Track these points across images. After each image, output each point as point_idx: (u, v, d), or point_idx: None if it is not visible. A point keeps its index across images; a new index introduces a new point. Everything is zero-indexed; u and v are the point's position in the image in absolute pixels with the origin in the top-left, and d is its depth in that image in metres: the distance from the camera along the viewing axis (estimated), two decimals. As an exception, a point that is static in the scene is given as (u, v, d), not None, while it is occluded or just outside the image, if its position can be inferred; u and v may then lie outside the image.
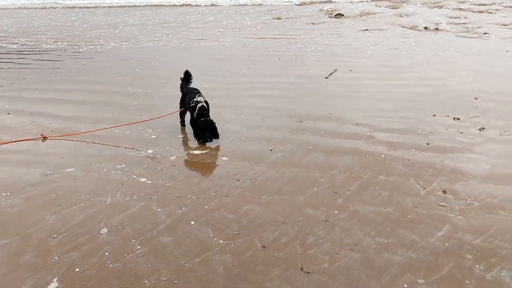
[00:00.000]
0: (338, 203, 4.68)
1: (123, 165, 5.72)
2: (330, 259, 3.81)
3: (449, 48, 12.89)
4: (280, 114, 7.52)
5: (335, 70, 10.47)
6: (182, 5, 27.66)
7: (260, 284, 3.55)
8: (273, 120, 7.26)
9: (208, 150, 6.16)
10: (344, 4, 24.40)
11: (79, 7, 28.48)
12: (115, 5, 29.18)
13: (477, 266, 3.67)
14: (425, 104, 7.81)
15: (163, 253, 3.94)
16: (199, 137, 6.36)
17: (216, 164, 5.78)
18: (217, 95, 8.38)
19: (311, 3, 26.26)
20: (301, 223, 4.34)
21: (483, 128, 6.64)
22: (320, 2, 25.90)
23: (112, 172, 5.55)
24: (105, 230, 4.30)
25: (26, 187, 5.22)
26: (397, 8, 22.47)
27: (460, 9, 21.03)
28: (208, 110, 6.57)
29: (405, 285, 3.48)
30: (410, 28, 16.85)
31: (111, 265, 3.79)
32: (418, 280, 3.53)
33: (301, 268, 3.71)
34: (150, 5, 28.34)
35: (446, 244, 3.97)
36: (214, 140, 6.38)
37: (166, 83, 9.79)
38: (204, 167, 5.71)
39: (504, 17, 18.59)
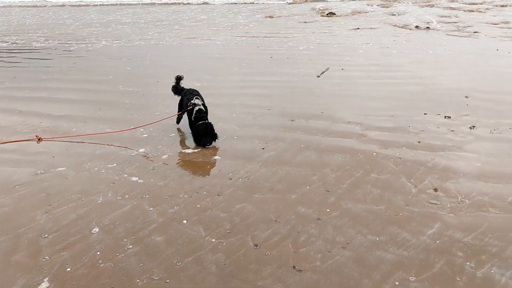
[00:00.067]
0: (330, 201, 4.69)
1: (115, 164, 5.70)
2: (322, 257, 3.81)
3: (440, 47, 12.97)
4: (272, 112, 7.52)
5: (327, 69, 10.49)
6: (175, 3, 27.58)
7: (252, 283, 3.55)
8: (265, 118, 7.26)
9: (200, 149, 6.14)
10: (336, 3, 24.47)
11: (71, 5, 28.29)
12: (107, 3, 29.03)
13: (468, 263, 3.70)
14: (416, 103, 7.85)
15: (155, 252, 3.93)
16: (199, 141, 6.19)
17: (208, 162, 5.77)
18: (209, 94, 8.35)
19: (303, 1, 26.29)
20: (293, 222, 4.34)
21: (473, 126, 6.68)
22: (312, 1, 25.96)
23: (103, 171, 5.53)
24: (97, 230, 4.28)
25: (17, 186, 5.18)
26: (388, 7, 22.57)
27: (451, 8, 21.16)
28: (206, 112, 6.43)
29: (397, 283, 3.49)
30: (402, 27, 16.93)
31: (102, 265, 3.77)
32: (410, 278, 3.55)
33: (293, 267, 3.71)
34: (142, 3, 28.23)
35: (437, 241, 3.99)
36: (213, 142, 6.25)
37: (158, 81, 9.76)
38: (196, 166, 5.70)
39: (494, 16, 18.73)
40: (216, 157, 5.85)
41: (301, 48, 13.43)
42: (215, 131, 6.19)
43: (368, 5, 23.35)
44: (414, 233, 4.11)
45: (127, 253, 3.92)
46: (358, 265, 3.72)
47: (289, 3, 26.03)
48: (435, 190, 4.87)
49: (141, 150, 6.12)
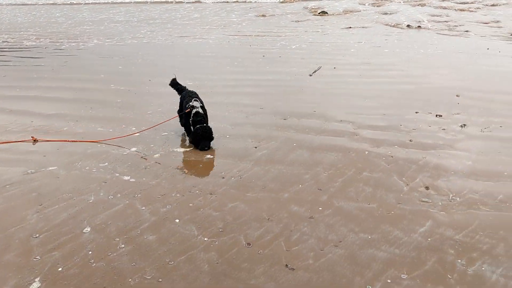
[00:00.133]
0: (322, 199, 4.70)
1: (106, 163, 5.67)
2: (315, 256, 3.82)
3: (431, 46, 13.04)
4: (265, 111, 7.52)
5: (319, 68, 10.51)
6: (168, 2, 27.50)
7: (245, 281, 3.55)
8: (257, 117, 7.26)
9: (192, 148, 6.13)
10: (328, 2, 24.49)
11: (64, 4, 28.10)
12: (100, 1, 28.88)
13: (459, 260, 3.72)
14: (408, 101, 7.89)
15: (147, 252, 3.91)
16: (197, 145, 6.06)
17: (200, 161, 5.75)
18: (202, 93, 8.26)
19: (295, 0, 26.30)
20: (285, 220, 4.35)
21: (464, 124, 6.73)
22: (304, 0, 25.96)
23: (95, 170, 5.50)
24: (88, 229, 4.26)
25: (7, 186, 5.13)
26: (380, 6, 22.64)
27: (442, 7, 21.28)
28: (205, 114, 6.30)
29: (389, 281, 3.51)
30: (393, 26, 17.01)
31: (94, 264, 3.75)
32: (402, 275, 3.56)
33: (286, 265, 3.72)
34: (135, 2, 28.11)
35: (429, 239, 4.01)
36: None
37: (150, 80, 9.72)
38: (188, 164, 5.68)
39: (485, 15, 18.86)
40: (208, 156, 5.85)
41: (293, 47, 13.44)
42: (213, 135, 6.08)
43: (360, 4, 23.40)
44: (406, 231, 4.13)
45: (119, 253, 3.90)
46: (350, 263, 3.73)
47: (281, 2, 26.03)
48: (427, 188, 4.90)
49: (133, 149, 6.10)
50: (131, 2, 27.80)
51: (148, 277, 3.60)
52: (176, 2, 27.31)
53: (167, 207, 4.61)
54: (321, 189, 4.91)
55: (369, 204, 4.60)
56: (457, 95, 8.14)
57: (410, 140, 6.18)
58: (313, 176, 5.22)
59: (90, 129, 6.82)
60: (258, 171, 5.39)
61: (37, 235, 4.17)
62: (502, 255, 3.78)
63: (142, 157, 5.85)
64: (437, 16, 18.99)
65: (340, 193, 4.82)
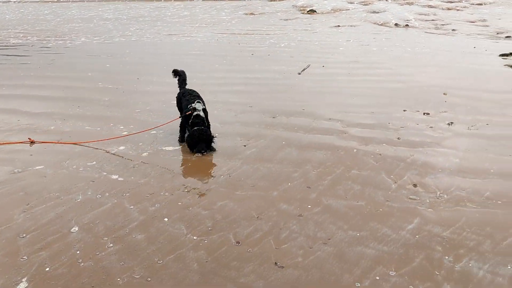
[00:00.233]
0: (311, 197, 4.72)
1: (94, 162, 5.62)
2: (304, 253, 3.83)
3: (419, 45, 13.13)
4: (254, 109, 7.52)
5: (308, 66, 10.53)
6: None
7: (234, 280, 3.54)
8: (246, 115, 7.26)
9: (181, 147, 6.11)
10: (317, 0, 24.54)
11: (52, 1, 27.80)
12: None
13: (447, 257, 3.76)
14: (396, 100, 7.94)
15: (136, 251, 3.89)
16: (192, 148, 5.87)
17: (189, 160, 5.73)
18: (190, 91, 8.31)
19: (284, -2, 26.29)
20: (275, 218, 4.35)
21: (451, 122, 6.79)
22: (293, -2, 25.97)
23: (82, 169, 5.45)
24: (76, 228, 4.22)
25: (-7, 185, 5.07)
26: (368, 4, 22.75)
27: (429, 6, 21.44)
28: (206, 117, 6.06)
29: (377, 277, 3.53)
30: (381, 25, 17.10)
31: (82, 264, 3.72)
32: (390, 272, 3.59)
33: (275, 263, 3.72)
34: (125, -1, 27.94)
35: (417, 236, 4.04)
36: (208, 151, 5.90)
37: (138, 78, 9.66)
38: (177, 163, 5.66)
39: (471, 14, 19.04)
40: (197, 154, 5.82)
41: (282, 45, 13.45)
42: (212, 141, 5.90)
43: (348, 2, 23.49)
44: (394, 228, 4.16)
45: (108, 252, 3.87)
46: (339, 260, 3.74)
47: (270, 0, 26.02)
48: (415, 185, 4.94)
49: (121, 148, 6.06)
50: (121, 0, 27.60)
51: (137, 277, 3.58)
52: (166, 0, 27.17)
53: (156, 206, 4.59)
54: (310, 187, 4.93)
55: (357, 202, 4.62)
56: (444, 93, 8.21)
57: (398, 138, 6.22)
58: (302, 174, 5.23)
59: (78, 128, 6.76)
60: (247, 169, 5.39)
61: (24, 235, 4.13)
62: (489, 251, 3.82)
63: (130, 156, 5.81)
64: (425, 15, 19.14)
65: (329, 191, 4.84)
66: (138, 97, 8.32)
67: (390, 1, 23.40)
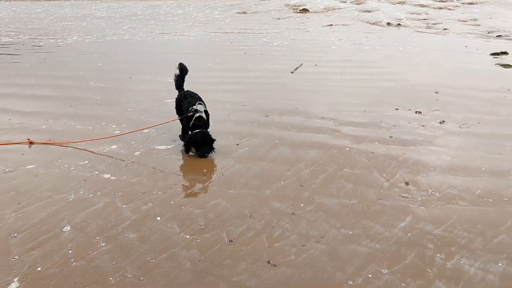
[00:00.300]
0: (304, 196, 4.72)
1: (86, 161, 5.59)
2: (297, 252, 3.84)
3: (411, 43, 13.19)
4: (247, 108, 7.52)
5: (301, 65, 10.54)
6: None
7: (227, 278, 3.54)
8: (239, 114, 7.25)
9: (173, 146, 6.09)
10: (309, -1, 24.59)
11: (45, -1, 27.63)
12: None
13: (438, 255, 3.78)
14: (388, 98, 7.98)
15: (129, 250, 3.88)
16: (189, 149, 5.80)
17: (182, 159, 5.72)
18: (183, 90, 8.28)
19: (276, -3, 26.31)
20: (267, 217, 4.35)
21: (443, 121, 6.83)
22: (286, -3, 25.98)
23: (74, 168, 5.42)
24: (68, 228, 4.20)
25: (-16, 185, 5.03)
26: (361, 3, 22.81)
27: (421, 5, 21.55)
28: (207, 119, 5.99)
29: (370, 275, 3.55)
30: (374, 24, 17.15)
31: (74, 263, 3.70)
32: (382, 270, 3.60)
33: (268, 261, 3.72)
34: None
35: (409, 234, 4.06)
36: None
37: (130, 77, 9.62)
38: (169, 162, 5.64)
39: (463, 13, 19.16)
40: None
41: (275, 44, 13.45)
42: (213, 143, 5.81)
43: (341, 1, 23.54)
44: (386, 226, 4.18)
45: (100, 251, 3.86)
46: (331, 258, 3.75)
47: (262, -1, 26.02)
48: (407, 183, 4.96)
49: (114, 146, 6.03)
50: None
51: (129, 276, 3.57)
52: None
53: (148, 205, 4.58)
54: (302, 186, 4.93)
55: (350, 200, 4.64)
56: (436, 92, 8.26)
57: (390, 137, 6.25)
58: (294, 173, 5.24)
59: (70, 127, 6.72)
60: (240, 168, 5.39)
61: (16, 235, 4.10)
62: (480, 249, 3.85)
63: (122, 155, 5.78)
64: (416, 14, 19.23)
65: (321, 190, 4.85)
66: (130, 96, 8.28)
67: (382, 0, 23.48)
